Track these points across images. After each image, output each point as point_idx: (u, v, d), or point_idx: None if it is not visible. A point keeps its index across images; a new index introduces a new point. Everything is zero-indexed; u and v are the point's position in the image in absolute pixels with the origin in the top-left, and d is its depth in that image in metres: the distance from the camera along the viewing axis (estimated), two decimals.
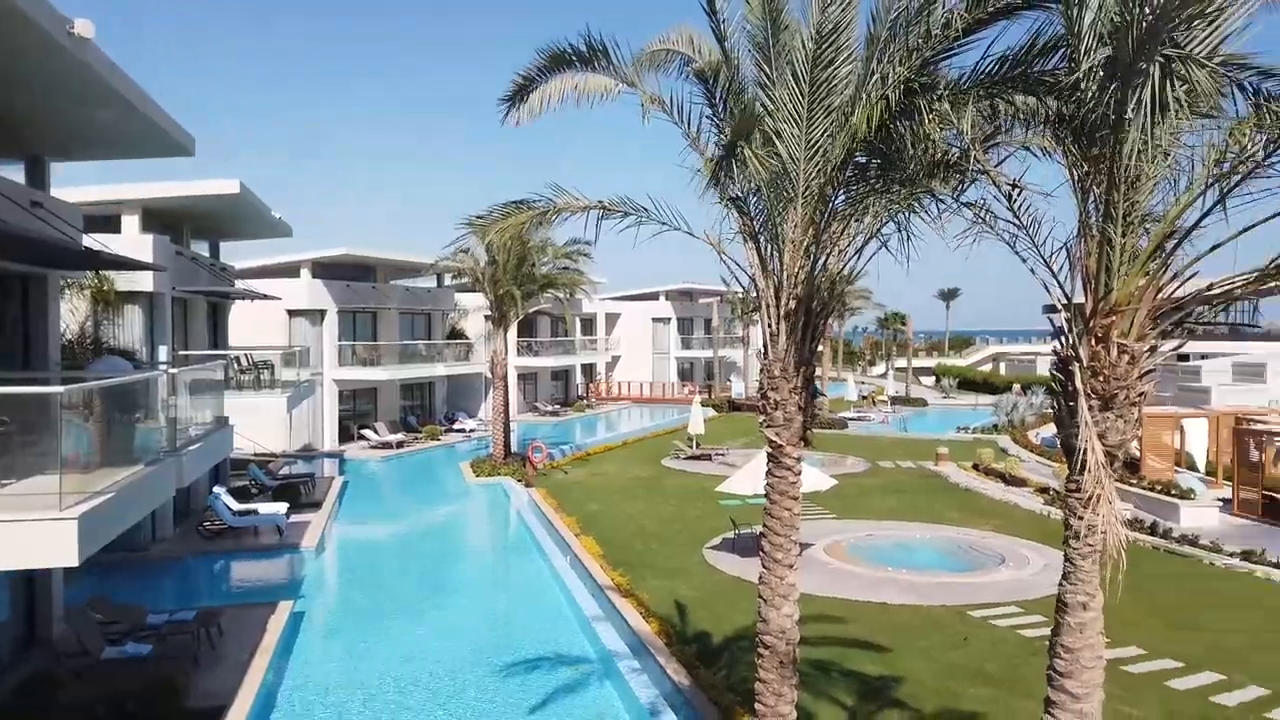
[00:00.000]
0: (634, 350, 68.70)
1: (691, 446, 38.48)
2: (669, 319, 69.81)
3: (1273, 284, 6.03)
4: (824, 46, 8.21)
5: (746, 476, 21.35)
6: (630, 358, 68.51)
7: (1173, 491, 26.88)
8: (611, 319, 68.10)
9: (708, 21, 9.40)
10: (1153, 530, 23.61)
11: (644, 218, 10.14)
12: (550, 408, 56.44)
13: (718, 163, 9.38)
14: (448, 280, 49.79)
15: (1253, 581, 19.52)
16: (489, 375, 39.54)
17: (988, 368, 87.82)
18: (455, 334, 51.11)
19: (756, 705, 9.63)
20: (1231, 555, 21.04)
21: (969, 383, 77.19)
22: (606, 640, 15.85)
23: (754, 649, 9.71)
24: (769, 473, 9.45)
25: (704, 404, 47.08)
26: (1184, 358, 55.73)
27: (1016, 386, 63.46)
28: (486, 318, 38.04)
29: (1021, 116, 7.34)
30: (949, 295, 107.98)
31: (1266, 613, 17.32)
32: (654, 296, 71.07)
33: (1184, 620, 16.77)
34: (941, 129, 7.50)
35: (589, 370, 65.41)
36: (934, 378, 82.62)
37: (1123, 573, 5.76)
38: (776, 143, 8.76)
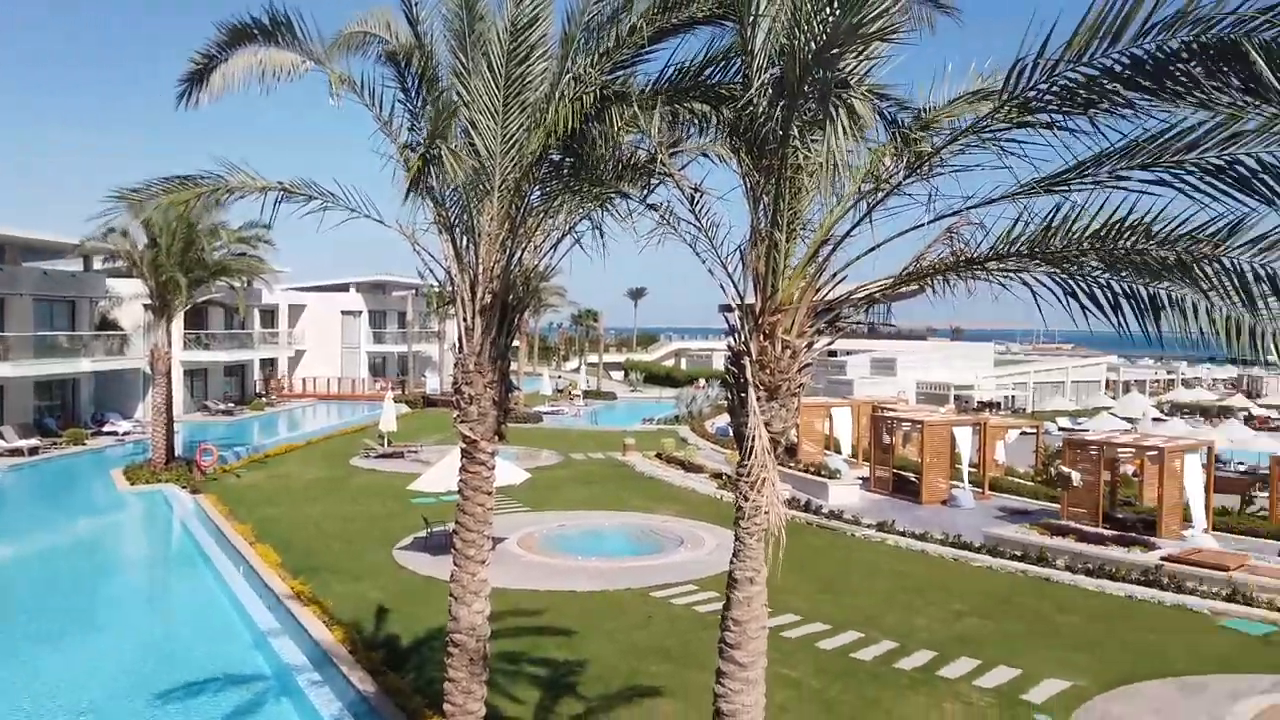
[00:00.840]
0: (321, 344, 64.92)
1: (383, 444, 37.12)
2: (360, 312, 66.83)
3: (902, 289, 6.97)
4: (519, 41, 8.22)
5: (440, 473, 20.97)
6: (317, 352, 64.66)
7: (823, 472, 30.32)
8: (296, 310, 63.84)
9: (400, 3, 9.07)
10: (806, 507, 26.45)
11: (330, 203, 9.57)
12: (223, 406, 51.76)
13: (421, 159, 9.07)
14: (98, 264, 43.87)
15: (885, 549, 22.51)
16: (148, 371, 35.38)
17: (671, 363, 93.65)
18: (107, 324, 45.14)
19: (445, 705, 9.47)
20: (869, 527, 24.13)
21: (654, 377, 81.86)
22: (285, 654, 14.81)
23: (445, 648, 9.54)
24: (462, 468, 9.32)
25: (397, 400, 45.63)
26: (833, 354, 63.04)
27: (702, 380, 68.34)
28: (146, 307, 34.00)
29: (703, 124, 7.87)
30: (637, 294, 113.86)
31: (895, 576, 20.05)
32: (344, 288, 67.66)
33: (831, 586, 18.95)
34: (630, 132, 7.82)
35: (269, 365, 60.83)
36: (623, 372, 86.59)
37: (783, 548, 6.36)
38: (473, 134, 8.65)
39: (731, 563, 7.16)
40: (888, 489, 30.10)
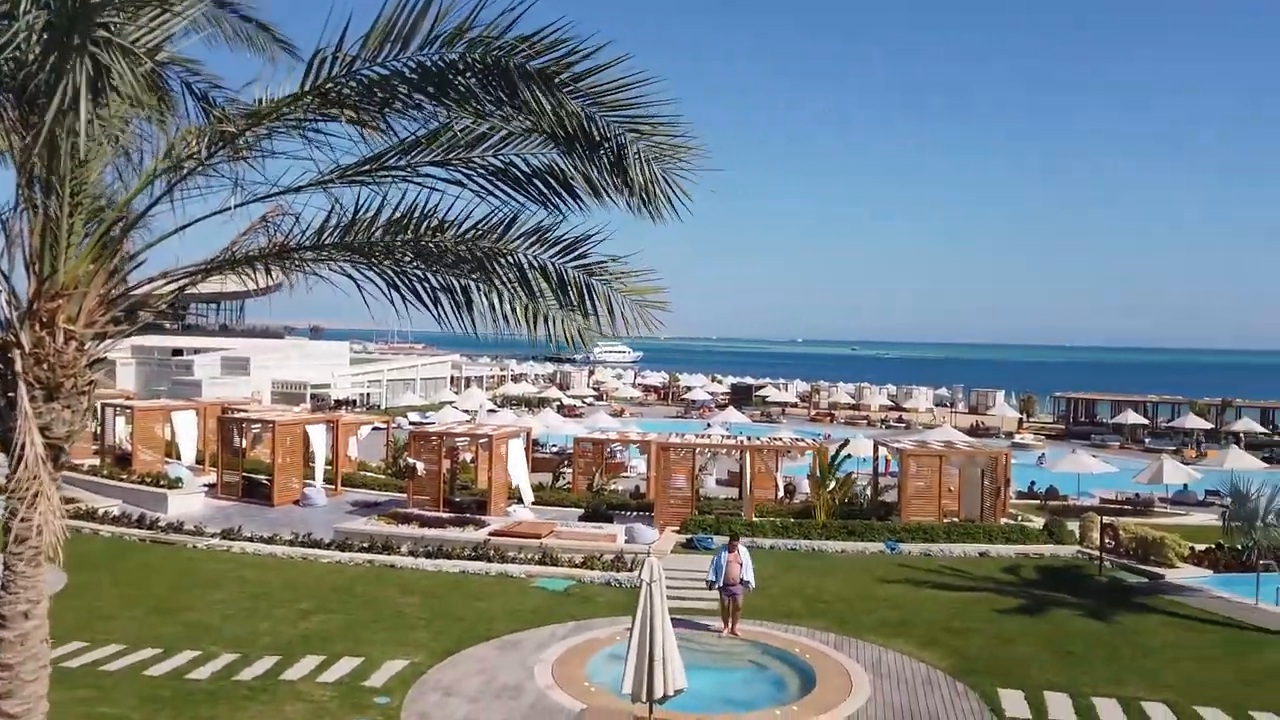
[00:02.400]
0: None
1: None
2: None
3: (217, 279, 6.53)
4: None
5: None
6: None
7: (162, 482, 27.51)
8: None
9: None
10: (140, 522, 23.71)
11: None
12: None
13: None
14: None
15: (230, 557, 21.29)
16: None
17: None
18: None
19: None
20: (213, 536, 22.56)
21: None
22: None
23: None
24: None
25: None
26: (178, 352, 57.83)
27: None
28: None
29: None
30: None
31: (240, 583, 19.06)
32: None
33: (167, 606, 17.24)
34: None
35: None
36: None
37: (61, 566, 5.46)
38: None
39: None
40: (238, 494, 28.56)
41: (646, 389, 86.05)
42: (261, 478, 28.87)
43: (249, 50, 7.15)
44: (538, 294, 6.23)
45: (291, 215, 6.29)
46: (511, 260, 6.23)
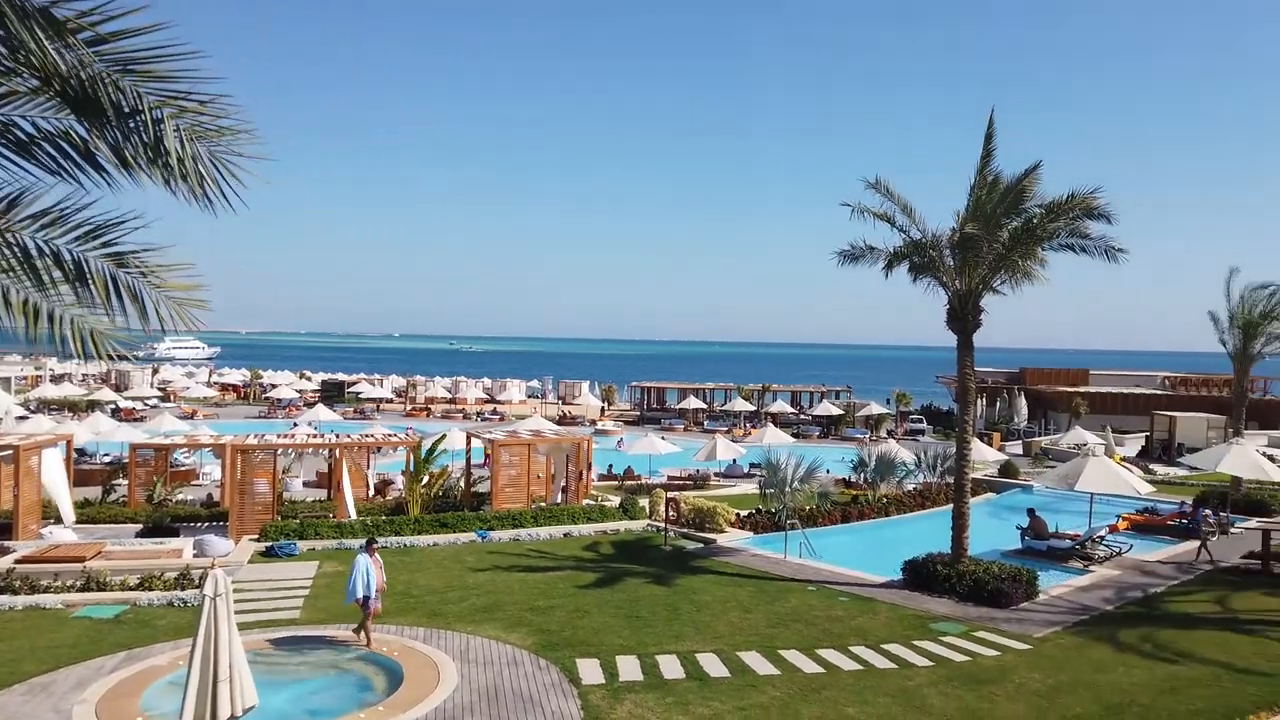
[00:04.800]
0: None
1: None
2: None
3: None
4: None
5: None
6: None
7: None
8: None
9: None
10: None
11: None
12: None
13: None
14: None
15: None
16: None
17: None
18: None
19: None
20: None
21: None
22: None
23: None
24: None
25: None
26: None
27: None
28: None
29: None
30: None
31: None
32: None
33: None
34: None
35: None
36: None
37: None
38: None
39: None
40: None
41: (224, 388, 78.84)
42: None
43: None
44: (48, 285, 5.30)
45: None
46: (17, 245, 5.21)
